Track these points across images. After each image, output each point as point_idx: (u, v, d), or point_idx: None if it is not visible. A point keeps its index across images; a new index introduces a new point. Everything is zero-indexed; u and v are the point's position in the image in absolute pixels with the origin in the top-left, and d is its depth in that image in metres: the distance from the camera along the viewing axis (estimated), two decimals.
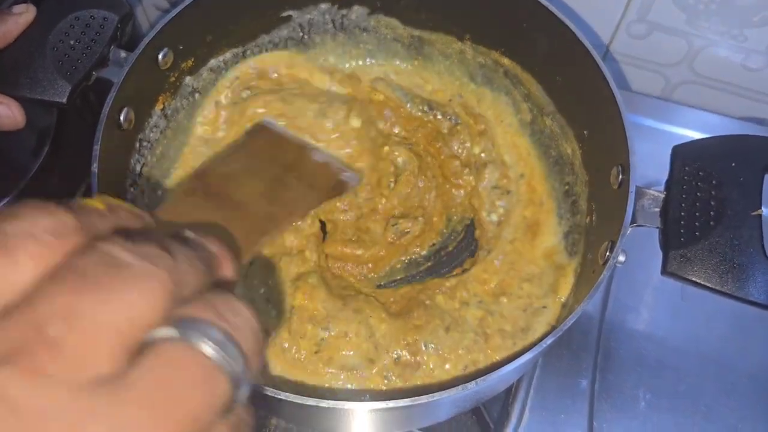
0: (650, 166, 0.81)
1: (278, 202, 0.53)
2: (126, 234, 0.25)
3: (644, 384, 0.73)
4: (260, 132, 0.62)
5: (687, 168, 0.53)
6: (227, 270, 0.29)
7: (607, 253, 0.54)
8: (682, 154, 0.54)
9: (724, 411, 0.72)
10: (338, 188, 0.63)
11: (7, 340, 0.21)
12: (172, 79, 0.66)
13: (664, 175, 0.80)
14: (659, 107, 0.88)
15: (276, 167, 0.57)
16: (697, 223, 0.51)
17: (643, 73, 0.89)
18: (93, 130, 0.57)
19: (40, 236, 0.24)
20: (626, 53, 0.87)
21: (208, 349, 0.24)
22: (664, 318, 0.76)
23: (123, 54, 0.61)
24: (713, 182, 0.52)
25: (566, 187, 0.69)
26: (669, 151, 0.85)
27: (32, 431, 0.20)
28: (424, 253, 0.71)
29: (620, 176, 0.57)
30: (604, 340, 0.75)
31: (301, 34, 0.74)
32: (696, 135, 0.85)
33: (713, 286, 0.49)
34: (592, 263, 0.59)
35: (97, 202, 0.27)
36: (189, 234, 0.29)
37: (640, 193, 0.55)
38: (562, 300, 0.64)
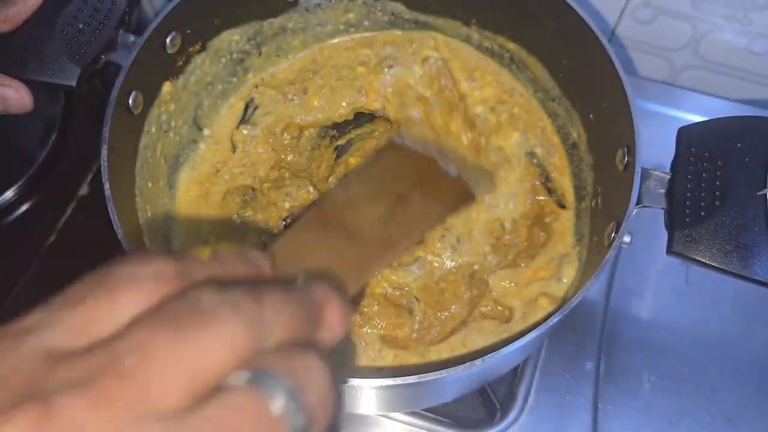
0: (656, 150, 0.81)
1: (396, 223, 0.53)
2: (222, 282, 0.26)
3: (648, 366, 0.74)
4: (388, 150, 0.61)
5: (692, 149, 0.53)
6: (333, 318, 0.29)
7: (613, 234, 0.55)
8: (688, 135, 0.54)
9: (728, 393, 0.73)
10: (466, 199, 0.61)
11: (85, 369, 0.23)
12: (180, 63, 0.67)
13: (670, 159, 0.81)
14: (664, 92, 0.89)
15: (399, 186, 0.56)
16: (702, 204, 0.51)
17: (648, 57, 0.89)
18: (100, 118, 0.57)
19: (141, 281, 0.25)
20: (631, 38, 0.87)
21: (274, 401, 0.24)
22: (668, 302, 0.77)
23: (131, 38, 0.61)
24: (718, 163, 0.52)
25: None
26: (674, 136, 0.86)
27: None
28: None
29: (626, 158, 0.57)
30: (609, 324, 0.75)
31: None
32: (701, 119, 0.85)
33: (718, 266, 0.49)
34: (597, 246, 0.60)
35: (204, 251, 0.28)
36: (300, 282, 0.29)
37: (645, 175, 0.55)
38: (567, 285, 0.65)
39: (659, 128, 0.84)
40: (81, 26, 0.60)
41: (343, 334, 0.30)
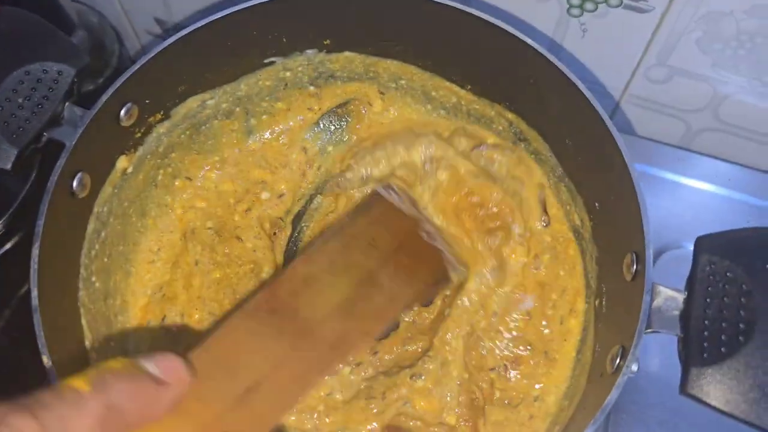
0: (667, 225, 0.74)
1: (356, 315, 0.46)
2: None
3: None
4: (370, 205, 0.53)
5: (713, 266, 0.46)
6: None
7: (618, 361, 0.47)
8: (708, 247, 0.47)
9: None
10: (441, 281, 0.53)
11: None
12: (138, 134, 0.60)
13: (682, 237, 0.74)
14: (678, 157, 0.81)
15: (370, 258, 0.49)
16: (723, 337, 0.44)
17: (661, 118, 0.82)
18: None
19: None
20: (644, 97, 0.80)
21: None
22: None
23: (79, 112, 0.54)
24: (743, 287, 0.45)
25: None
26: (687, 207, 0.79)
27: None
28: None
29: (635, 266, 0.50)
30: None
31: (285, 84, 0.67)
32: (719, 190, 0.78)
33: (743, 417, 0.42)
34: (599, 362, 0.52)
35: (80, 382, 0.25)
36: None
37: (656, 291, 0.48)
38: (563, 391, 0.58)
39: (671, 199, 0.77)
40: (20, 101, 0.53)
41: None
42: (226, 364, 0.38)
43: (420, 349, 0.59)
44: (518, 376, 0.59)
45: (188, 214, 0.65)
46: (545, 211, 0.64)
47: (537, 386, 0.59)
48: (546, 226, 0.64)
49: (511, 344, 0.60)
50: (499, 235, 0.62)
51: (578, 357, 0.58)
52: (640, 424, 0.63)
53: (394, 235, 0.51)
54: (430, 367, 0.57)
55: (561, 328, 0.60)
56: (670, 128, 0.82)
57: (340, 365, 0.51)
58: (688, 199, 0.77)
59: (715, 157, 0.81)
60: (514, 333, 0.60)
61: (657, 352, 0.65)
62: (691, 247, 0.48)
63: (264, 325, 0.43)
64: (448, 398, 0.57)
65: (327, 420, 0.57)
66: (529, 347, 0.60)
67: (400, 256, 0.50)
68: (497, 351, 0.60)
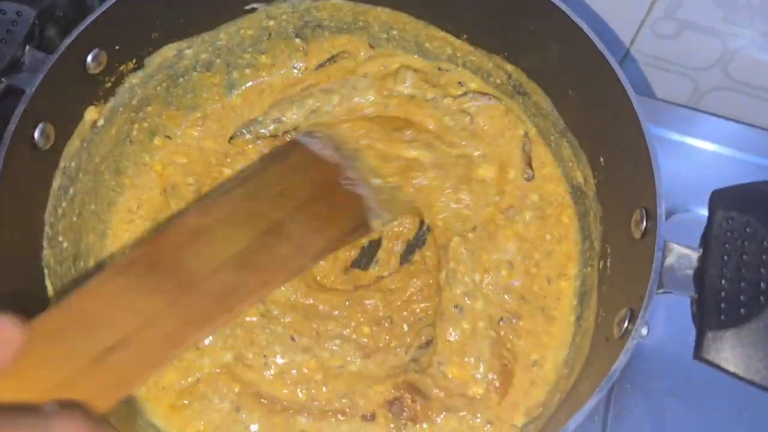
0: (674, 187, 0.70)
1: (254, 265, 0.43)
2: None
3: None
4: (285, 156, 0.50)
5: (730, 221, 0.42)
6: None
7: (626, 324, 0.44)
8: (725, 201, 0.43)
9: None
10: (358, 229, 0.50)
11: None
12: (108, 84, 0.55)
13: (690, 200, 0.70)
14: (686, 117, 0.77)
15: (280, 209, 0.46)
16: (742, 297, 0.40)
17: (669, 76, 0.78)
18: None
19: None
20: (650, 54, 0.76)
21: None
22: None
23: (41, 57, 0.50)
24: (764, 243, 0.41)
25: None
26: (695, 168, 0.75)
27: None
28: None
29: (644, 223, 0.46)
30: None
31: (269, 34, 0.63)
32: (728, 151, 0.75)
33: (765, 384, 0.38)
34: (604, 327, 0.48)
35: None
36: (49, 407, 0.28)
37: (669, 249, 0.44)
38: (562, 358, 0.54)
39: (679, 159, 0.74)
40: None
41: None
42: (83, 324, 0.36)
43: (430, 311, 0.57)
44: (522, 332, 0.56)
45: (168, 169, 0.61)
46: (530, 164, 0.61)
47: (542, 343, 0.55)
48: (529, 179, 0.60)
49: (505, 295, 0.57)
50: (406, 133, 0.61)
51: (579, 322, 0.54)
52: (645, 394, 0.60)
53: (311, 183, 0.48)
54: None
55: (550, 288, 0.57)
56: (677, 87, 0.79)
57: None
58: (695, 160, 0.74)
59: (725, 117, 0.77)
60: (502, 282, 0.57)
61: (663, 318, 0.62)
62: (700, 210, 0.45)
63: (138, 281, 0.40)
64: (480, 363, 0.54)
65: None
66: (522, 299, 0.57)
67: (314, 205, 0.47)
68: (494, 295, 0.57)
